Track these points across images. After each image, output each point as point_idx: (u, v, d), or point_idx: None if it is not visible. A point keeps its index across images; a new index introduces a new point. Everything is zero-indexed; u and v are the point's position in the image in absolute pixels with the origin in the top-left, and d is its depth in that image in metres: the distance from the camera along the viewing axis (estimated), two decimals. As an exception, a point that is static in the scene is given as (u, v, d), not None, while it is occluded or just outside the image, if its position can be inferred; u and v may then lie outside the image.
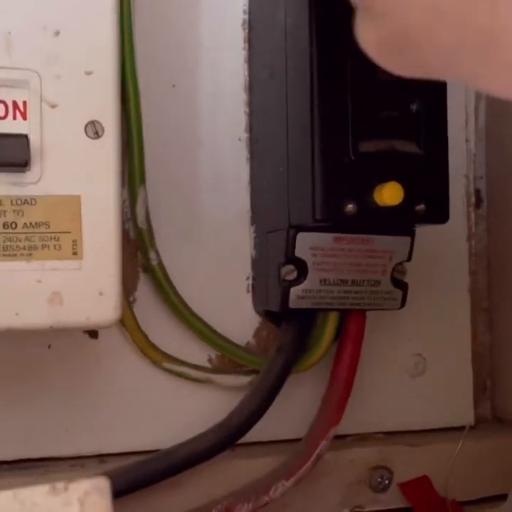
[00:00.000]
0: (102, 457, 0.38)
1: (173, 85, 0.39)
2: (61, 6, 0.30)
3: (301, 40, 0.34)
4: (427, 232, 0.38)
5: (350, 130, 0.33)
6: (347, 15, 0.32)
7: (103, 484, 0.17)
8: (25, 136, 0.29)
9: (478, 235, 0.45)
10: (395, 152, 0.33)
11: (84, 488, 0.17)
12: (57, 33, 0.30)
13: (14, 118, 0.29)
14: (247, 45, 0.40)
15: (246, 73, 0.40)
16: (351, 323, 0.38)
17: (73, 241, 0.30)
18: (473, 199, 0.45)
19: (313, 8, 0.33)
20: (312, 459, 0.37)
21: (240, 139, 0.40)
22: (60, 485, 0.17)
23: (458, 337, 0.44)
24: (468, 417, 0.44)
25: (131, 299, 0.38)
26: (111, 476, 0.34)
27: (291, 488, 0.37)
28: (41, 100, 0.29)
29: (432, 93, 0.34)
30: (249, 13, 0.40)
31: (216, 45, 0.40)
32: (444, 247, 0.43)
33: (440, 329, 0.43)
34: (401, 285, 0.37)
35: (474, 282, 0.45)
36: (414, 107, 0.34)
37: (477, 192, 0.45)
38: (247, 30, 0.40)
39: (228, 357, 0.39)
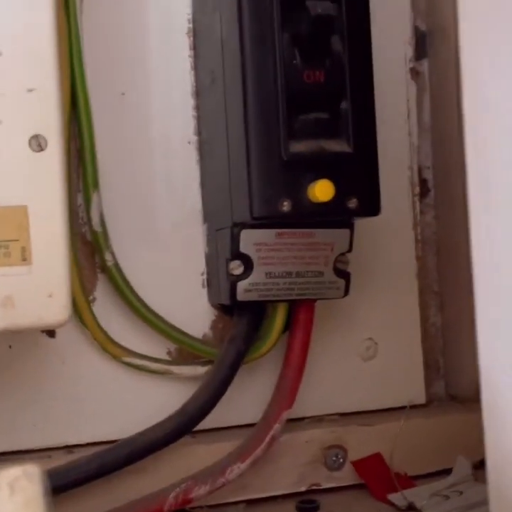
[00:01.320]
0: (69, 448, 0.40)
1: (123, 93, 0.41)
2: (2, 27, 0.32)
3: (233, 47, 0.36)
4: (372, 222, 0.40)
5: (281, 132, 0.35)
6: (276, 21, 0.35)
7: (32, 470, 0.19)
8: (-26, 153, 0.31)
9: (425, 222, 0.47)
10: (325, 151, 0.35)
11: (14, 475, 0.19)
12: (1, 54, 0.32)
13: (-39, 136, 0.31)
14: (192, 52, 0.42)
15: (193, 79, 0.42)
16: (300, 312, 0.41)
17: (22, 248, 0.32)
18: (417, 189, 0.47)
19: (243, 16, 0.35)
20: (266, 440, 0.39)
21: (189, 142, 0.42)
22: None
23: (407, 320, 0.46)
24: (419, 396, 0.46)
25: (90, 298, 0.40)
26: (77, 464, 0.37)
27: (246, 469, 0.39)
28: (-14, 118, 0.31)
29: (360, 93, 0.36)
30: (194, 22, 0.42)
31: (163, 52, 0.42)
32: (390, 236, 0.45)
33: (390, 314, 0.45)
34: (344, 274, 0.40)
35: (422, 267, 0.47)
36: (342, 107, 0.36)
37: (424, 182, 0.48)
38: (192, 38, 0.42)
39: (186, 349, 0.42)
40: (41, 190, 0.32)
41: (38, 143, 0.32)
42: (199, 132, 0.42)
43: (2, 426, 0.39)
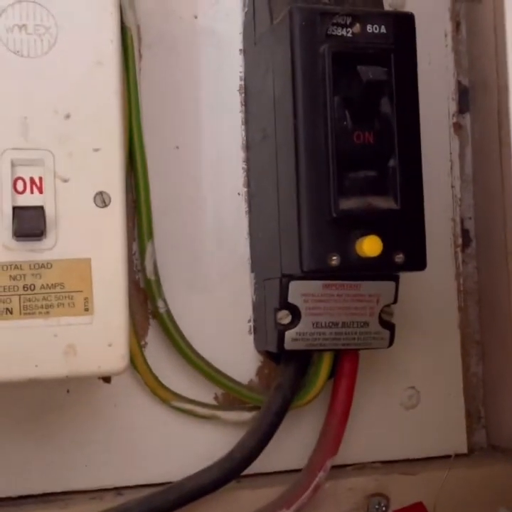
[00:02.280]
0: (118, 490, 0.41)
1: (177, 147, 0.43)
2: (70, 93, 0.34)
3: (286, 107, 0.37)
4: (416, 273, 0.41)
5: (332, 189, 0.36)
6: (328, 84, 0.36)
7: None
8: (42, 208, 0.33)
9: (467, 273, 0.48)
10: (373, 208, 0.36)
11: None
12: (67, 116, 0.34)
13: (31, 192, 0.33)
14: (243, 108, 0.44)
15: (243, 134, 0.44)
16: (345, 361, 0.42)
17: (85, 299, 0.33)
18: (459, 240, 0.48)
19: (296, 79, 0.37)
20: (311, 488, 0.40)
21: (239, 194, 0.44)
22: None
23: (449, 370, 0.46)
24: (461, 446, 0.46)
25: (142, 343, 0.42)
26: (127, 507, 0.38)
27: (290, 516, 0.40)
28: (55, 176, 0.33)
29: (407, 152, 0.37)
30: (245, 80, 0.44)
31: (216, 108, 0.44)
32: (433, 287, 0.46)
33: (432, 363, 0.46)
34: (388, 326, 0.41)
35: (464, 318, 0.47)
36: (390, 165, 0.37)
37: (466, 232, 0.49)
38: (243, 95, 0.44)
39: (232, 394, 0.43)
40: (104, 244, 0.34)
41: (102, 199, 0.34)
42: (248, 184, 0.44)
43: (55, 466, 0.40)
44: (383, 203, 0.37)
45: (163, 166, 0.43)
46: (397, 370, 0.45)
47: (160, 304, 0.41)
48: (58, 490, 0.40)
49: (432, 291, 0.46)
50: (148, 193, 0.41)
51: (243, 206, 0.44)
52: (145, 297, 0.42)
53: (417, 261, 0.37)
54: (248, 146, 0.44)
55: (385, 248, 0.36)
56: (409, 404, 0.46)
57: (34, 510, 0.39)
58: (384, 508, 0.43)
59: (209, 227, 0.43)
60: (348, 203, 0.36)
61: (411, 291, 0.44)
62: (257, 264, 0.43)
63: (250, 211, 0.44)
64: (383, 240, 0.36)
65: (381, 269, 0.37)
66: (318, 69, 0.36)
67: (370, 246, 0.36)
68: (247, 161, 0.44)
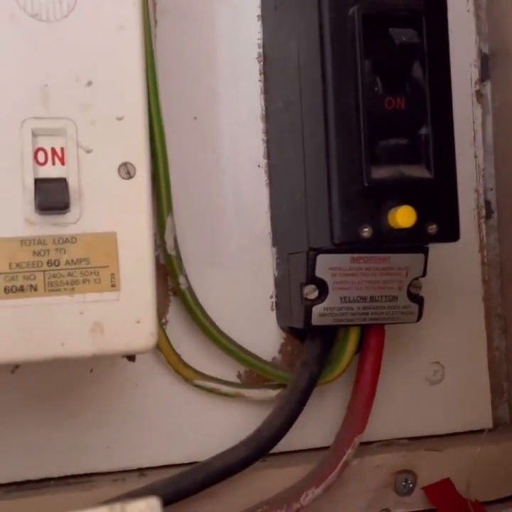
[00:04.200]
0: (141, 471, 0.40)
1: (195, 117, 0.42)
2: (92, 59, 0.32)
3: (313, 74, 0.36)
4: (440, 246, 0.40)
5: (363, 158, 0.35)
6: (358, 48, 0.35)
7: (154, 504, 0.19)
8: (65, 180, 0.31)
9: (489, 245, 0.47)
10: (406, 177, 0.35)
11: (138, 508, 0.19)
12: (89, 84, 0.32)
13: (53, 163, 0.32)
14: (262, 76, 0.42)
15: (262, 103, 0.42)
16: (371, 337, 0.41)
17: (111, 274, 0.32)
18: (483, 211, 0.47)
19: (324, 44, 0.35)
20: (339, 466, 0.39)
21: (259, 166, 0.43)
22: (117, 507, 0.19)
23: (474, 344, 0.46)
24: (486, 421, 0.46)
25: (163, 321, 0.41)
26: (154, 488, 0.37)
27: (320, 494, 0.39)
28: (77, 146, 0.32)
29: (440, 119, 0.36)
30: (264, 47, 0.42)
31: (233, 77, 0.42)
32: (457, 259, 0.45)
33: (456, 338, 0.45)
34: (417, 299, 0.40)
35: (487, 290, 0.46)
36: (422, 133, 0.36)
37: (487, 203, 0.47)
38: (262, 63, 0.42)
39: (256, 372, 0.42)
40: (130, 217, 0.32)
41: (126, 170, 0.32)
42: (268, 156, 0.42)
43: (76, 448, 0.39)
44: (416, 171, 0.35)
45: (181, 138, 0.41)
46: (422, 345, 0.44)
47: (181, 280, 0.40)
48: (80, 472, 0.39)
49: (456, 263, 0.45)
50: (167, 166, 0.39)
51: (263, 178, 0.43)
52: (165, 274, 0.41)
53: (450, 232, 0.36)
54: (268, 116, 0.42)
55: (418, 219, 0.35)
56: (434, 380, 0.45)
57: (55, 493, 0.38)
58: (411, 485, 0.42)
59: (228, 201, 0.42)
60: (380, 172, 0.35)
61: (435, 264, 0.42)
62: (279, 238, 0.42)
63: (271, 183, 0.42)
64: (416, 211, 0.35)
65: (414, 240, 0.36)
66: (348, 32, 0.35)
67: (403, 217, 0.35)
68: (267, 131, 0.42)
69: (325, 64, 0.35)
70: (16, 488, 0.38)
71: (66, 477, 0.39)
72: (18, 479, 0.39)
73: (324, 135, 0.35)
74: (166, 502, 0.37)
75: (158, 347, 0.39)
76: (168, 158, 0.40)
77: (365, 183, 0.35)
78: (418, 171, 0.35)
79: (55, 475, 0.39)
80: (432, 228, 0.36)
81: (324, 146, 0.35)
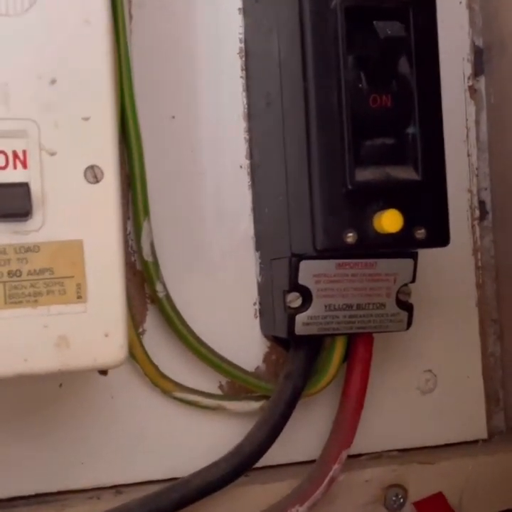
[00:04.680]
0: (118, 488, 0.38)
1: (173, 116, 0.40)
2: (55, 56, 0.30)
3: (294, 70, 0.34)
4: (433, 250, 0.38)
5: (346, 159, 0.33)
6: (340, 43, 0.33)
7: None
8: (27, 185, 0.29)
9: (484, 248, 0.45)
10: (392, 179, 0.33)
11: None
12: (53, 82, 0.30)
13: (15, 167, 0.30)
14: (244, 73, 0.40)
15: (245, 101, 0.40)
16: (359, 345, 0.39)
17: (77, 285, 0.30)
18: (477, 213, 0.45)
19: (305, 37, 0.33)
20: (325, 482, 0.37)
21: (241, 166, 0.41)
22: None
23: (468, 351, 0.44)
24: (481, 431, 0.44)
25: (140, 330, 0.39)
26: (128, 508, 0.35)
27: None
28: (40, 148, 0.30)
29: (428, 117, 0.34)
30: (245, 42, 0.40)
31: (214, 74, 0.40)
32: (450, 263, 0.43)
33: (449, 344, 0.43)
34: (406, 306, 0.38)
35: (482, 295, 0.45)
36: (409, 132, 0.34)
37: (482, 204, 0.45)
38: (243, 59, 0.40)
39: (238, 383, 0.40)
40: (97, 224, 0.30)
41: (93, 174, 0.30)
42: (251, 156, 0.41)
43: (49, 465, 0.37)
44: (403, 173, 0.33)
45: (158, 138, 0.39)
46: (413, 352, 0.42)
47: (158, 287, 0.38)
48: (53, 490, 0.38)
49: (449, 267, 0.43)
50: (144, 167, 0.38)
51: (246, 180, 0.41)
52: (142, 281, 0.39)
53: (440, 236, 0.34)
54: (250, 115, 0.40)
55: (406, 223, 0.33)
56: (426, 389, 0.43)
57: (28, 512, 0.36)
58: (402, 500, 0.40)
59: (209, 203, 0.40)
60: (365, 174, 0.33)
61: (426, 269, 0.41)
62: (262, 242, 0.40)
63: (253, 185, 0.40)
64: (403, 215, 0.33)
65: (401, 246, 0.34)
66: (330, 26, 0.33)
67: (389, 221, 0.33)
68: (250, 130, 0.41)
69: (306, 59, 0.33)
70: (-16, 507, 0.37)
71: (39, 495, 0.37)
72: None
73: (305, 135, 0.33)
74: (142, 523, 0.35)
75: (134, 358, 0.38)
76: (145, 159, 0.38)
77: (349, 185, 0.33)
78: (405, 173, 0.33)
79: (27, 493, 0.37)
80: (420, 233, 0.34)
81: (305, 146, 0.33)
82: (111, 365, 0.31)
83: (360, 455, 0.41)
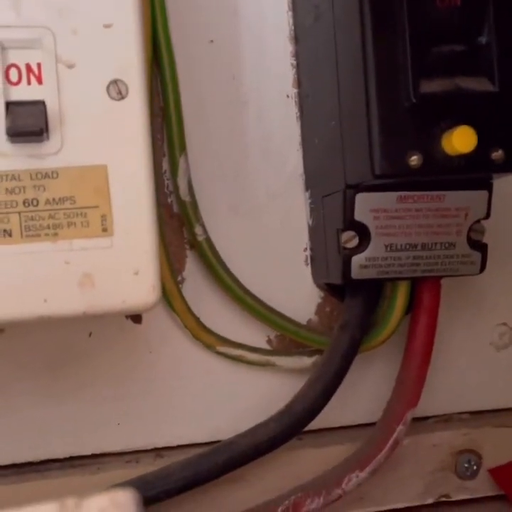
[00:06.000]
0: (158, 451, 0.35)
1: (211, 41, 0.36)
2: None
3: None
4: (508, 179, 0.33)
5: (409, 69, 0.28)
6: None
7: (124, 498, 0.14)
8: (42, 102, 0.26)
9: None
10: (464, 91, 0.28)
11: (99, 506, 0.14)
12: (70, -15, 0.26)
13: (29, 83, 0.26)
14: (289, -12, 0.36)
15: (291, 21, 0.36)
16: (424, 292, 0.34)
17: (102, 216, 0.26)
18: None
19: None
20: (388, 445, 0.33)
21: (288, 96, 0.36)
22: (70, 502, 0.14)
23: (548, 302, 0.39)
24: (562, 391, 0.39)
25: (179, 278, 0.35)
26: (168, 472, 0.31)
27: (366, 478, 0.33)
28: (57, 60, 0.26)
29: (505, 18, 0.29)
30: (289, -46, 0.36)
31: (255, -7, 0.36)
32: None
33: (527, 294, 0.38)
34: (479, 246, 0.33)
35: None
36: (483, 36, 0.29)
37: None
38: (287, -27, 0.36)
39: (289, 337, 0.36)
40: (123, 147, 0.27)
41: (117, 89, 0.27)
42: (299, 83, 0.36)
43: (83, 426, 0.34)
44: (476, 84, 0.29)
45: (195, 64, 0.35)
46: (486, 302, 0.38)
47: (198, 230, 0.34)
48: (88, 452, 0.34)
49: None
50: (178, 95, 0.34)
51: (293, 110, 0.36)
52: (180, 224, 0.35)
53: (521, 158, 0.29)
54: (297, 37, 0.36)
55: (480, 142, 0.28)
56: (500, 344, 0.38)
57: (60, 476, 0.33)
58: (475, 467, 0.36)
59: (252, 138, 0.36)
60: (431, 86, 0.28)
61: (501, 202, 0.36)
62: (312, 179, 0.36)
63: (302, 116, 0.36)
64: (477, 132, 0.28)
65: (475, 169, 0.29)
66: None
67: (460, 139, 0.28)
68: (297, 55, 0.36)
69: (360, -46, 0.28)
70: (15, 470, 0.34)
71: (72, 458, 0.34)
72: (18, 461, 0.34)
73: (361, 45, 0.29)
74: (184, 487, 0.32)
75: (173, 308, 0.34)
76: (180, 88, 0.34)
77: (413, 98, 0.28)
78: (479, 84, 0.29)
79: (59, 456, 0.34)
80: (498, 154, 0.29)
81: (361, 59, 0.29)
82: (142, 308, 0.27)
83: (426, 418, 0.37)
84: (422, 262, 0.33)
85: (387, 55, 0.28)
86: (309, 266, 0.36)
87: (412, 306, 0.35)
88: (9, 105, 0.26)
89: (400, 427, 0.33)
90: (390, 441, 0.33)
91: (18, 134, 0.25)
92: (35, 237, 0.26)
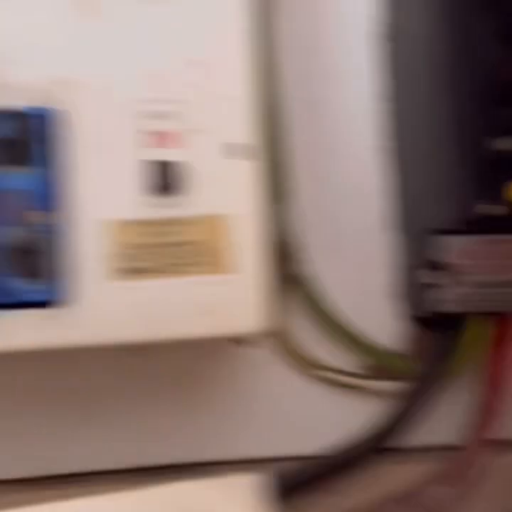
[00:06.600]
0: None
1: (311, 101, 0.40)
2: (202, 41, 0.32)
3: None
4: None
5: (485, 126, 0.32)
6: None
7: (258, 480, 0.18)
8: (175, 162, 0.31)
9: None
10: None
11: (238, 483, 0.18)
12: (200, 65, 0.32)
13: (164, 146, 0.32)
14: (379, 52, 0.41)
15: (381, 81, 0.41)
16: (507, 325, 0.37)
17: (224, 257, 0.31)
18: None
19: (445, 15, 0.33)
20: (471, 464, 0.36)
21: (377, 148, 0.41)
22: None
23: None
24: None
25: (280, 307, 0.40)
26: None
27: (449, 495, 0.36)
28: (187, 127, 0.32)
29: None
30: (381, 22, 0.40)
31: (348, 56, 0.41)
32: None
33: None
34: None
35: None
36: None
37: None
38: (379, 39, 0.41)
39: (378, 363, 0.40)
40: (242, 199, 0.32)
41: (237, 151, 0.32)
42: (387, 136, 0.40)
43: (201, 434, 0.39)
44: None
45: (298, 121, 0.40)
46: None
47: (299, 266, 0.39)
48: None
49: None
50: (286, 149, 0.39)
51: (381, 160, 0.41)
52: (283, 260, 0.40)
53: None
54: (387, 96, 0.40)
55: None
56: None
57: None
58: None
59: (346, 183, 0.40)
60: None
61: None
62: (398, 220, 0.40)
63: (390, 165, 0.40)
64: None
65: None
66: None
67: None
68: (386, 112, 0.41)
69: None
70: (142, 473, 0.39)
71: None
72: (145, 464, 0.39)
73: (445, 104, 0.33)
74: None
75: (274, 334, 0.38)
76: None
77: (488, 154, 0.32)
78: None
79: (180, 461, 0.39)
80: None
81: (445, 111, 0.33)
82: (255, 336, 0.32)
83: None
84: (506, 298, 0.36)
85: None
86: (396, 299, 0.40)
87: (494, 336, 0.38)
88: (149, 164, 0.31)
89: (482, 448, 0.36)
90: (473, 461, 0.36)
91: (160, 189, 0.31)
92: (167, 273, 0.31)
